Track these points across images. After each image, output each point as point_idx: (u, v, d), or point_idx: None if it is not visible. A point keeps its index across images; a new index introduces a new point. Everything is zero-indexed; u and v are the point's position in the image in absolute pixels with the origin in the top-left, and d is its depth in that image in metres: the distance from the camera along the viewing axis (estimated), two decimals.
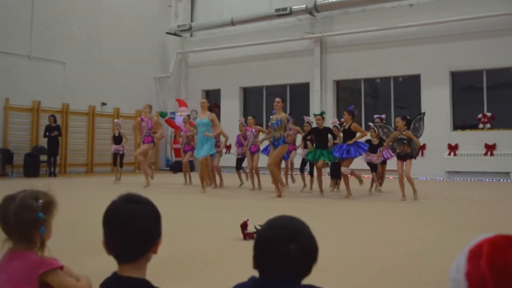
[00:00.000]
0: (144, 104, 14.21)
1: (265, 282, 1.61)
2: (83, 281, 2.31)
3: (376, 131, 11.69)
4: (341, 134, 11.36)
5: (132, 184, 13.94)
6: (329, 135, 11.42)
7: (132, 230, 1.79)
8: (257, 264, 1.64)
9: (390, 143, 10.59)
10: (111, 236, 1.83)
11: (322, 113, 11.97)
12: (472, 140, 17.46)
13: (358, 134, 10.94)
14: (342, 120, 11.56)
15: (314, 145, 11.56)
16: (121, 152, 15.60)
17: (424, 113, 11.11)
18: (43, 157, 18.04)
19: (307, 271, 1.63)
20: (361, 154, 11.04)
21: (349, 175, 11.07)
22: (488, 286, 1.12)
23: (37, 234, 2.22)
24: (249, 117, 13.89)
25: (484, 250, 1.17)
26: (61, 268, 2.24)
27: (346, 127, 10.88)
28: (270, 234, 1.62)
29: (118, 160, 15.59)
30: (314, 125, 11.91)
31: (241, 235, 5.88)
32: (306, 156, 11.88)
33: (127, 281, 1.80)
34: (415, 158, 10.55)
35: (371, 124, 12.08)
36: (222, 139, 13.92)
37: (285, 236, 1.60)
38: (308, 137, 12.16)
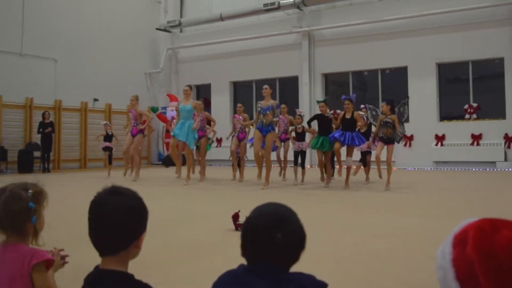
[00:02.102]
0: (131, 96, 14.28)
1: (253, 269, 1.60)
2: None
3: (365, 119, 11.85)
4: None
5: (125, 178, 14.07)
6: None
7: (115, 221, 1.78)
8: (244, 253, 1.64)
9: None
10: (94, 227, 1.82)
11: (325, 100, 12.09)
12: (458, 131, 17.73)
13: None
14: (338, 111, 11.68)
15: (317, 132, 11.69)
16: (110, 146, 15.69)
17: (408, 97, 11.35)
18: (37, 153, 18.21)
19: (294, 259, 1.61)
20: (360, 144, 11.14)
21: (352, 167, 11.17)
22: (476, 272, 1.10)
23: (29, 224, 2.21)
24: (239, 104, 13.92)
25: (469, 236, 1.15)
26: (52, 261, 2.23)
27: (348, 116, 10.94)
28: (256, 223, 1.61)
29: (108, 156, 15.80)
30: (306, 117, 12.05)
31: (233, 226, 6.00)
32: (310, 144, 11.92)
33: (109, 274, 1.79)
34: (398, 143, 10.78)
35: (360, 112, 12.16)
36: (210, 134, 14.06)
37: (272, 224, 1.58)
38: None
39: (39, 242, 2.25)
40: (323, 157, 11.81)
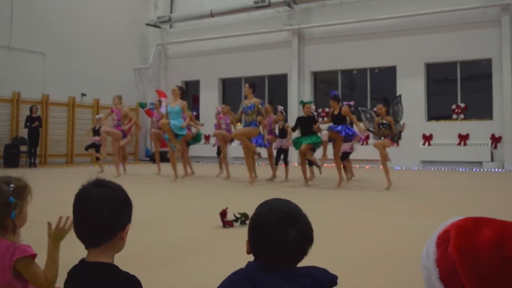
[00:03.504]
0: (114, 96, 14.16)
1: (265, 267, 1.56)
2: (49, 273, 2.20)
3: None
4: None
5: (112, 174, 14.02)
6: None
7: (100, 212, 1.78)
8: (254, 250, 1.61)
9: (372, 129, 10.81)
10: (79, 218, 1.83)
11: (309, 102, 12.06)
12: (446, 131, 17.84)
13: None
14: (326, 109, 11.66)
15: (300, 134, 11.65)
16: (97, 143, 15.75)
17: (400, 95, 11.33)
18: (23, 148, 18.10)
19: (305, 253, 1.61)
20: (348, 134, 10.88)
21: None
22: (457, 272, 1.09)
23: (8, 219, 2.16)
24: (223, 105, 13.96)
25: (451, 236, 1.14)
26: (35, 256, 2.17)
27: (335, 113, 10.88)
28: (268, 219, 1.58)
29: (96, 151, 15.83)
30: (292, 115, 12.03)
31: (221, 223, 5.99)
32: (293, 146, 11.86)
33: (94, 266, 1.79)
34: (396, 142, 10.77)
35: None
36: (194, 130, 14.05)
37: (285, 220, 1.57)
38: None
39: (16, 238, 2.21)
40: (305, 156, 11.75)
